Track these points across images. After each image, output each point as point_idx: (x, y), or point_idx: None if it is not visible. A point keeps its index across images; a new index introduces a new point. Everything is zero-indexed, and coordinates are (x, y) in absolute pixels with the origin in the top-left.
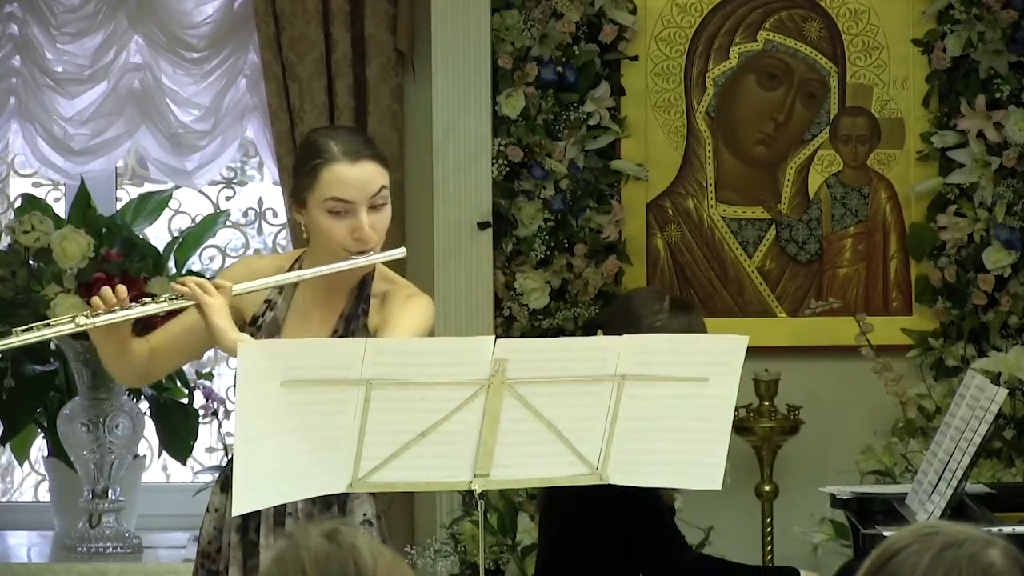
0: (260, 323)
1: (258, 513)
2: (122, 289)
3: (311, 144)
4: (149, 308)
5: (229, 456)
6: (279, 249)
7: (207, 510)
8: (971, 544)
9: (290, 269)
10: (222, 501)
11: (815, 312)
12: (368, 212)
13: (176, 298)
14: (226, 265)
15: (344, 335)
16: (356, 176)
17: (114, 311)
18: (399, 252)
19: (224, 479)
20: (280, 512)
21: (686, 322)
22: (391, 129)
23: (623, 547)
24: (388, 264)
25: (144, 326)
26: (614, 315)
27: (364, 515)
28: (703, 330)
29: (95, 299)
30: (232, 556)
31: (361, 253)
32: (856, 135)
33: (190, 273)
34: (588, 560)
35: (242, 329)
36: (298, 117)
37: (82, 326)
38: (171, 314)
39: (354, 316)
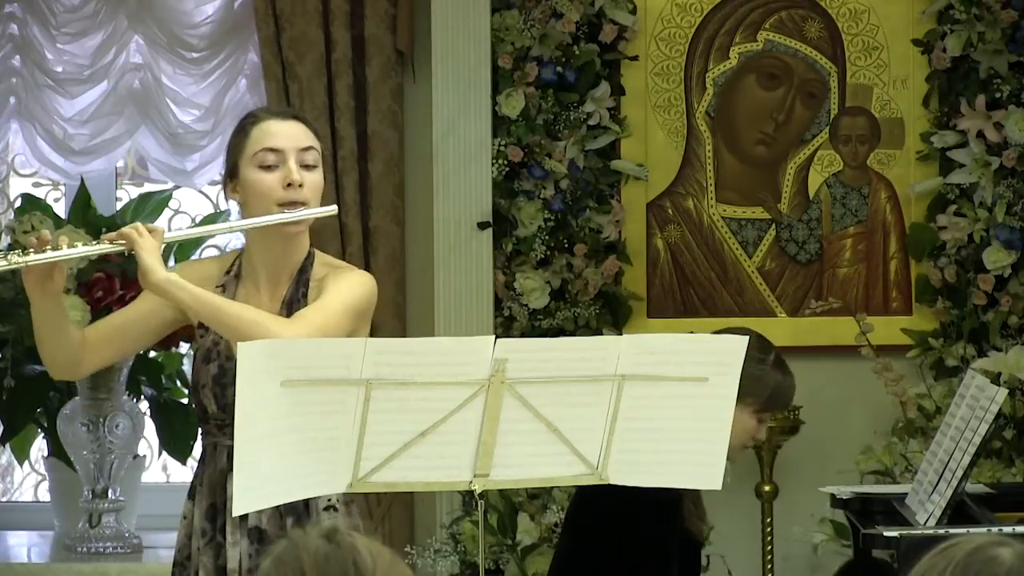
0: None
1: (222, 514)
2: (61, 238)
3: (243, 117)
4: (83, 250)
5: (197, 462)
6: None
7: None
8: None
9: (230, 268)
10: (189, 509)
11: (815, 312)
12: (300, 170)
13: (109, 241)
14: None
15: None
16: (285, 129)
17: (44, 251)
18: (330, 209)
19: (191, 487)
20: None
21: (782, 380)
22: (391, 129)
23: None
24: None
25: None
26: None
27: (328, 500)
28: (793, 395)
29: (29, 239)
30: (200, 561)
31: (293, 205)
32: (856, 135)
33: None
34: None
35: (194, 329)
36: None
37: (15, 264)
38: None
39: (295, 300)
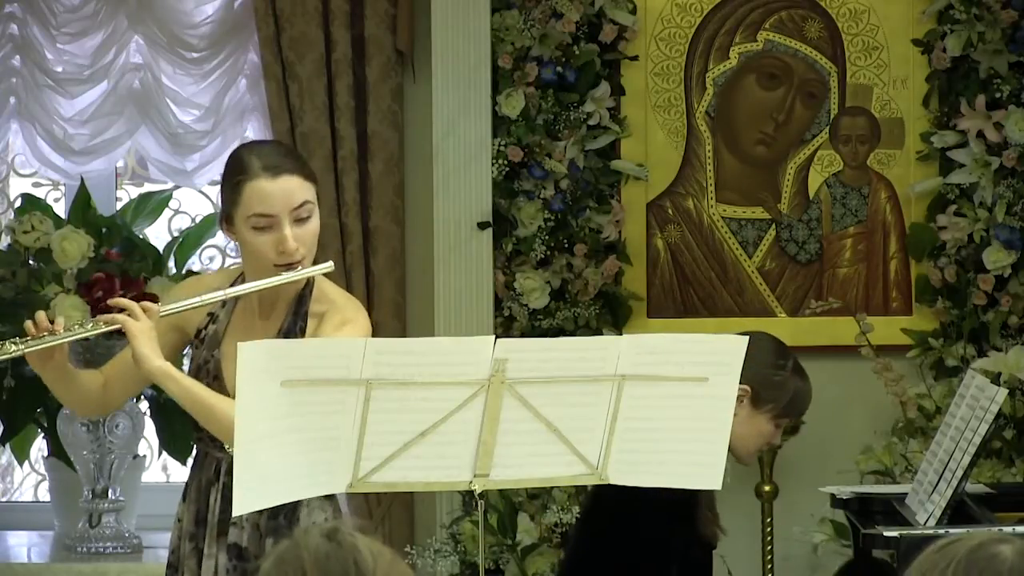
0: (203, 335)
1: (204, 524)
2: (45, 315)
3: (234, 160)
4: (78, 333)
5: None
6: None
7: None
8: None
9: (232, 284)
10: (182, 511)
11: (815, 312)
12: (293, 225)
13: (104, 323)
14: (226, 264)
15: None
16: (276, 190)
17: (42, 337)
18: (327, 266)
19: (185, 489)
20: (224, 521)
21: (801, 385)
22: (391, 129)
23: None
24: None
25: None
26: None
27: (314, 521)
28: (810, 401)
29: (27, 324)
30: (186, 565)
31: (288, 266)
32: (856, 135)
33: (190, 273)
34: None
35: (190, 342)
36: (298, 117)
37: (11, 353)
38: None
39: (292, 332)
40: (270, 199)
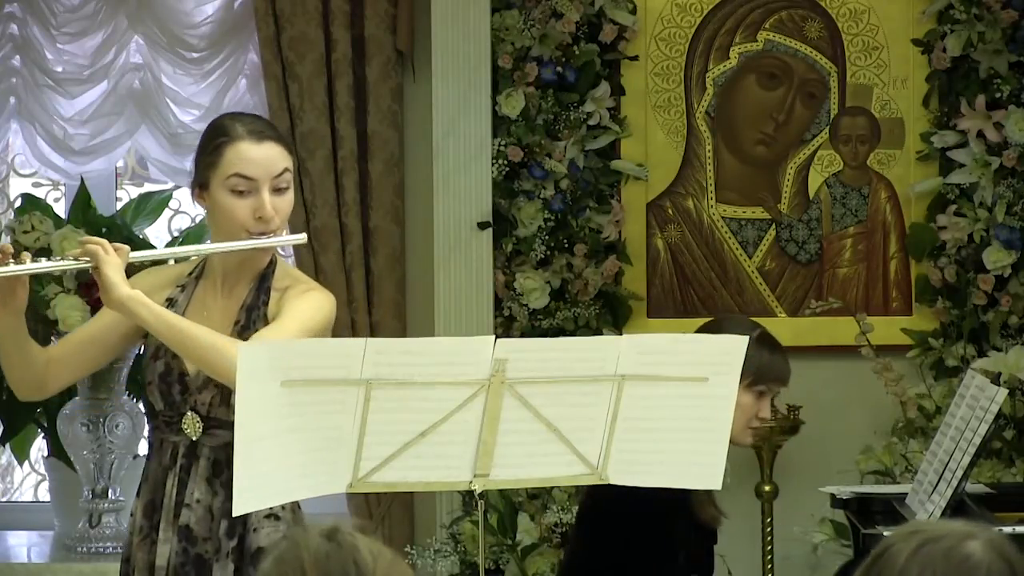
0: None
1: (159, 511)
2: (9, 245)
3: (215, 126)
4: (47, 265)
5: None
6: (278, 249)
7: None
8: (949, 538)
9: (191, 272)
10: (135, 505)
11: (815, 312)
12: (271, 194)
13: (73, 257)
14: None
15: (245, 325)
16: (260, 155)
17: (7, 264)
18: (300, 237)
19: (139, 485)
20: (179, 504)
21: (769, 359)
22: (391, 129)
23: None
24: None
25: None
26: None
27: (271, 508)
28: (787, 371)
29: None
30: (137, 557)
31: (262, 234)
32: (856, 135)
33: None
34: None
35: (145, 336)
36: (298, 117)
37: None
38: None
39: (255, 306)
40: (253, 163)
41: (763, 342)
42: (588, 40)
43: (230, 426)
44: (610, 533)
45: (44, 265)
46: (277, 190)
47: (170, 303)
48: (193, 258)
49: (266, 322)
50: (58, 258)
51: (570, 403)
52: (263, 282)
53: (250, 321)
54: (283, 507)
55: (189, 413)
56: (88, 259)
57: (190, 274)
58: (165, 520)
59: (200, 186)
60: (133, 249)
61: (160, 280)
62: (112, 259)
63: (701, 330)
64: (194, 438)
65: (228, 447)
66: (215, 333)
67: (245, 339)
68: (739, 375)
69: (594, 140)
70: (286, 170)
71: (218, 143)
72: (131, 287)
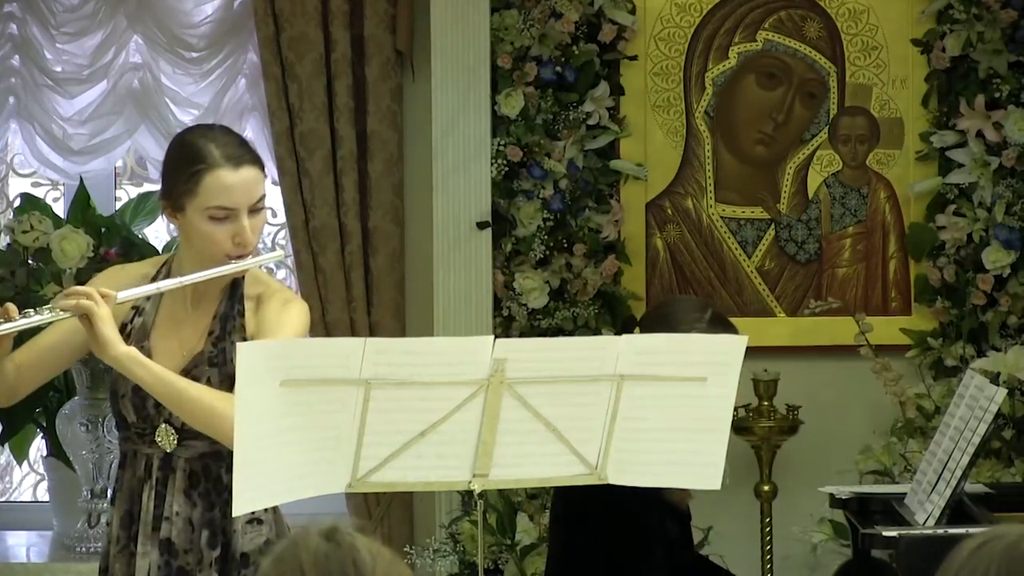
0: (129, 330)
1: (137, 523)
2: (10, 307)
3: (190, 147)
4: (35, 319)
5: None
6: (279, 248)
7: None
8: (1010, 535)
9: (157, 274)
10: (111, 514)
11: (814, 312)
12: (248, 216)
13: (63, 310)
14: None
15: (220, 336)
16: (238, 182)
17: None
18: (278, 254)
19: (112, 494)
20: (158, 518)
21: (724, 333)
22: (391, 129)
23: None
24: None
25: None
26: (652, 319)
27: (252, 512)
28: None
29: None
30: (114, 569)
31: (240, 257)
32: (855, 135)
33: None
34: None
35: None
36: (297, 117)
37: None
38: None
39: (229, 316)
40: (232, 191)
41: (716, 322)
42: (587, 40)
43: (204, 437)
44: (577, 536)
45: (32, 320)
46: (252, 211)
47: (137, 311)
48: (159, 259)
49: (243, 332)
50: (47, 311)
51: (569, 403)
52: (235, 289)
53: (224, 332)
54: (264, 510)
55: (163, 425)
56: (78, 311)
57: (155, 278)
58: (143, 533)
59: (173, 207)
60: (131, 249)
61: (127, 279)
62: (104, 313)
63: (650, 313)
64: (168, 450)
65: (204, 458)
66: (212, 392)
67: (219, 349)
68: (738, 375)
69: (593, 140)
70: (263, 195)
71: (196, 171)
72: (100, 285)
